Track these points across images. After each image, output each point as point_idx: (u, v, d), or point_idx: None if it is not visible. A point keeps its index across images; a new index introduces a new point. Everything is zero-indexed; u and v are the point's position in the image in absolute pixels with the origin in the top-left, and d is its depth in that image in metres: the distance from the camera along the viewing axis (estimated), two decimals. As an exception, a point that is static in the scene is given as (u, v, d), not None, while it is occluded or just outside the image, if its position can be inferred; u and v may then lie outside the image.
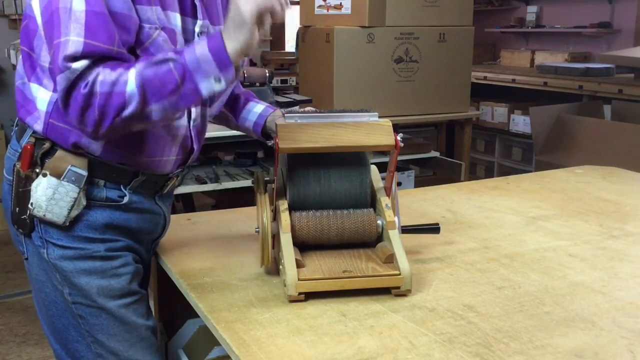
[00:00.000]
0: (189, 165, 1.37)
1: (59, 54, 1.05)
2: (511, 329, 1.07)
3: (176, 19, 1.20)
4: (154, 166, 1.27)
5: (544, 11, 5.52)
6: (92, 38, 1.05)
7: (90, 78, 1.05)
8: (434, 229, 1.37)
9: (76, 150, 1.19)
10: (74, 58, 1.05)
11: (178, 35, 1.20)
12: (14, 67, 4.56)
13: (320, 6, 3.58)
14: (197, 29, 1.24)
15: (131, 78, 1.06)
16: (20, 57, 1.24)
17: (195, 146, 1.33)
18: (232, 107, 1.54)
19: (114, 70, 1.07)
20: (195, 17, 1.24)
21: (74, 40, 1.05)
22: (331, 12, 3.52)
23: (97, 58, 1.06)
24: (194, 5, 1.23)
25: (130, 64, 1.09)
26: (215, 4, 1.31)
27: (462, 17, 3.68)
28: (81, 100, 1.06)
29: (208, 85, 1.09)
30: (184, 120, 1.27)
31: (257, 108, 1.51)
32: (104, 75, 1.06)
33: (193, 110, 1.29)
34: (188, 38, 1.23)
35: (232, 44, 1.08)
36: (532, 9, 5.52)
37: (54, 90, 1.17)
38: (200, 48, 1.08)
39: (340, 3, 3.48)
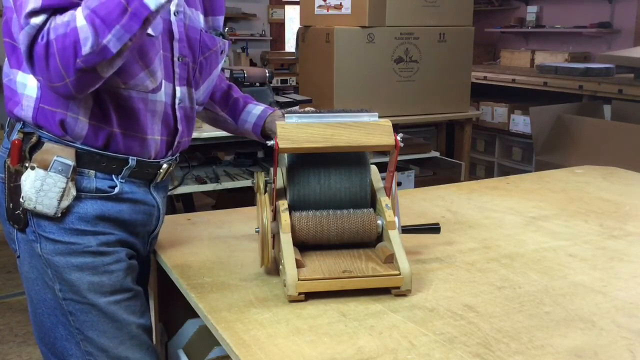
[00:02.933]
0: (177, 150, 1.37)
1: (21, 12, 1.07)
2: (511, 329, 1.07)
3: None
4: (140, 147, 1.26)
5: (544, 11, 5.52)
6: None
7: (46, 28, 1.06)
8: (434, 229, 1.37)
9: (64, 135, 1.20)
10: (34, 13, 1.06)
11: None
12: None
13: (320, 6, 3.58)
14: (172, 8, 1.27)
15: (79, 14, 1.06)
16: (6, 55, 1.24)
17: (179, 127, 1.33)
18: (231, 110, 1.55)
19: (65, 14, 1.07)
20: None
21: None
22: (331, 12, 3.53)
23: (56, 10, 1.07)
24: None
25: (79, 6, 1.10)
26: None
27: (462, 17, 3.69)
28: (42, 52, 1.06)
29: (156, 1, 1.08)
30: (160, 95, 1.27)
31: (256, 109, 1.53)
32: (55, 21, 1.07)
33: (177, 89, 1.31)
34: (165, 17, 1.26)
35: None
36: (532, 9, 5.53)
37: None
38: None
39: (340, 3, 3.48)
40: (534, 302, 1.17)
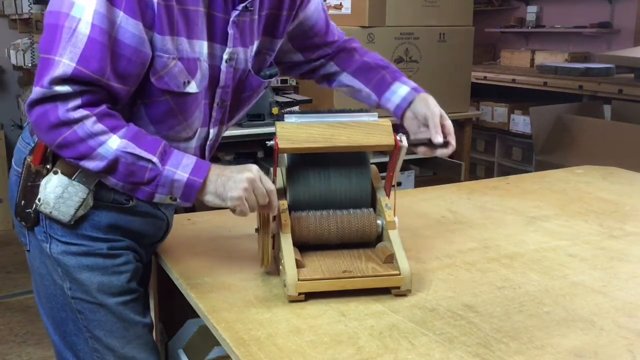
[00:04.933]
0: None
1: (48, 72, 1.07)
2: (511, 329, 1.07)
3: (202, 46, 1.19)
4: None
5: (544, 11, 5.51)
6: (83, 65, 1.06)
7: (75, 108, 1.07)
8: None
9: None
10: (60, 81, 1.06)
11: (202, 62, 1.19)
12: (14, 67, 4.55)
13: (320, 6, 3.58)
14: (225, 56, 1.23)
15: (111, 145, 1.09)
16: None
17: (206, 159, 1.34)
18: (377, 86, 1.43)
19: (101, 123, 1.09)
20: (224, 44, 1.23)
21: (65, 63, 1.06)
22: (331, 12, 3.52)
23: (82, 85, 1.07)
24: (226, 33, 1.22)
25: (119, 125, 1.11)
26: (251, 24, 1.27)
27: (462, 17, 3.68)
28: (54, 120, 1.08)
29: (163, 198, 1.15)
30: (192, 142, 1.27)
31: (401, 90, 1.39)
32: (89, 121, 1.08)
33: (211, 131, 1.30)
34: (215, 64, 1.23)
35: (210, 195, 1.15)
36: (532, 9, 5.52)
37: None
38: (181, 174, 1.13)
39: (340, 3, 3.48)
40: (534, 302, 1.17)
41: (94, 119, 1.08)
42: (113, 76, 1.09)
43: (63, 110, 1.07)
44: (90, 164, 1.10)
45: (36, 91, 1.08)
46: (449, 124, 1.32)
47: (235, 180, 1.12)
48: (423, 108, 1.35)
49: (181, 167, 1.13)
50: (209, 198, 1.15)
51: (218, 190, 1.14)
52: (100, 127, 1.09)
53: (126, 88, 1.13)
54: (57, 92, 1.06)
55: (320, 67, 1.51)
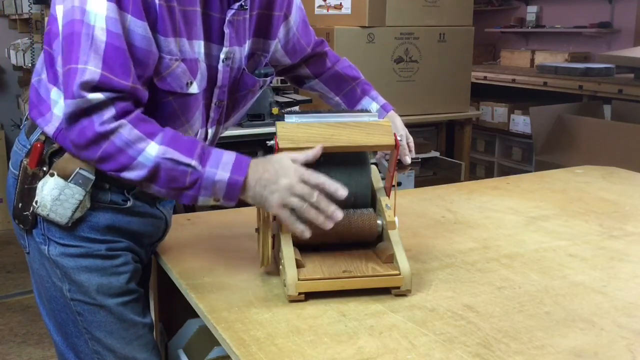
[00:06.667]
0: None
1: (74, 79, 1.06)
2: (511, 329, 1.07)
3: (200, 46, 1.20)
4: None
5: (544, 11, 5.51)
6: (108, 71, 1.06)
7: (110, 119, 1.07)
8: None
9: None
10: (90, 87, 1.06)
11: (201, 62, 1.21)
12: (14, 67, 4.55)
13: (320, 6, 3.58)
14: (222, 55, 1.25)
15: (150, 152, 1.08)
16: (42, 54, 1.24)
17: None
18: (347, 97, 1.52)
19: (137, 129, 1.08)
20: (221, 44, 1.24)
21: (91, 69, 1.05)
22: (331, 12, 3.52)
23: (112, 92, 1.07)
24: (222, 32, 1.23)
25: (155, 131, 1.10)
26: (244, 23, 1.29)
27: (462, 17, 3.68)
28: (91, 136, 1.07)
29: (206, 200, 1.13)
30: None
31: (372, 107, 1.50)
32: (126, 129, 1.08)
33: (209, 131, 1.31)
34: (212, 63, 1.24)
35: (250, 200, 1.12)
36: (532, 9, 5.52)
37: None
38: (222, 174, 1.10)
39: (340, 3, 3.48)
40: (534, 302, 1.17)
41: (130, 126, 1.08)
42: (136, 79, 1.10)
43: (99, 123, 1.07)
44: (132, 174, 1.09)
45: (68, 104, 1.07)
46: (412, 141, 1.42)
47: (271, 191, 1.11)
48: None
49: (221, 166, 1.11)
50: (250, 201, 1.14)
51: (257, 200, 1.13)
52: (137, 133, 1.08)
53: (145, 94, 1.13)
54: (90, 102, 1.06)
55: (293, 68, 1.54)
